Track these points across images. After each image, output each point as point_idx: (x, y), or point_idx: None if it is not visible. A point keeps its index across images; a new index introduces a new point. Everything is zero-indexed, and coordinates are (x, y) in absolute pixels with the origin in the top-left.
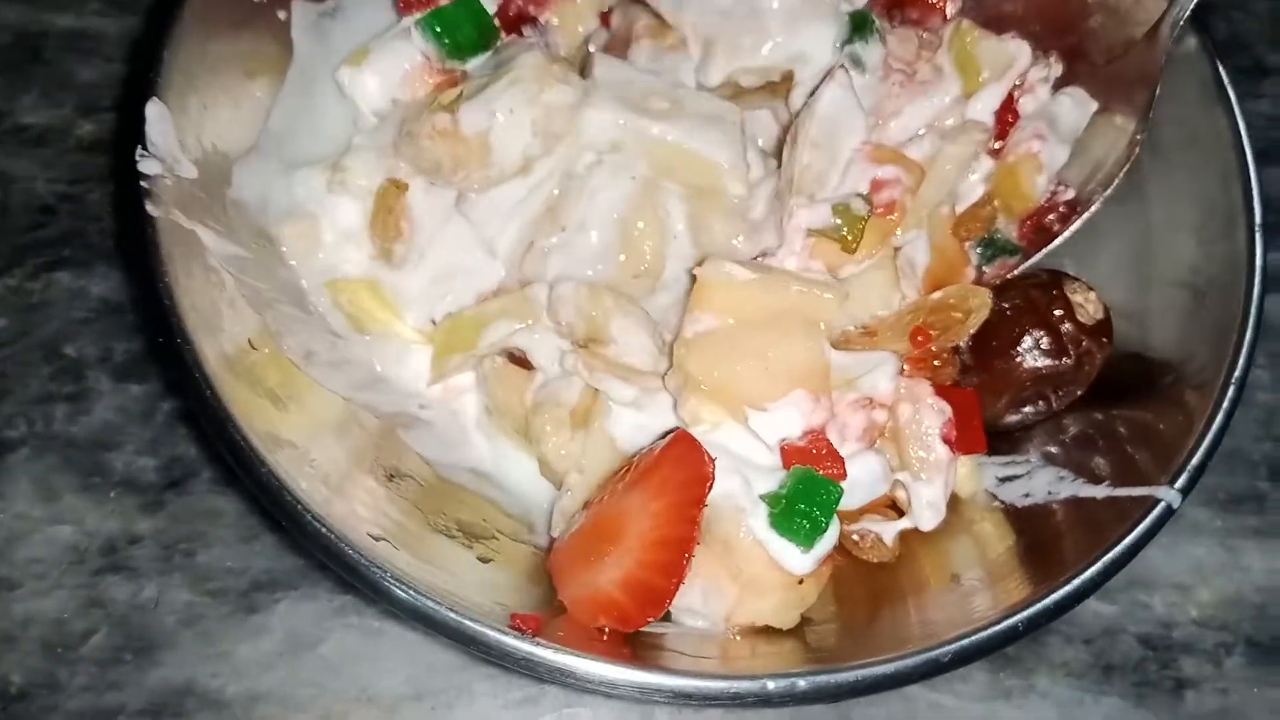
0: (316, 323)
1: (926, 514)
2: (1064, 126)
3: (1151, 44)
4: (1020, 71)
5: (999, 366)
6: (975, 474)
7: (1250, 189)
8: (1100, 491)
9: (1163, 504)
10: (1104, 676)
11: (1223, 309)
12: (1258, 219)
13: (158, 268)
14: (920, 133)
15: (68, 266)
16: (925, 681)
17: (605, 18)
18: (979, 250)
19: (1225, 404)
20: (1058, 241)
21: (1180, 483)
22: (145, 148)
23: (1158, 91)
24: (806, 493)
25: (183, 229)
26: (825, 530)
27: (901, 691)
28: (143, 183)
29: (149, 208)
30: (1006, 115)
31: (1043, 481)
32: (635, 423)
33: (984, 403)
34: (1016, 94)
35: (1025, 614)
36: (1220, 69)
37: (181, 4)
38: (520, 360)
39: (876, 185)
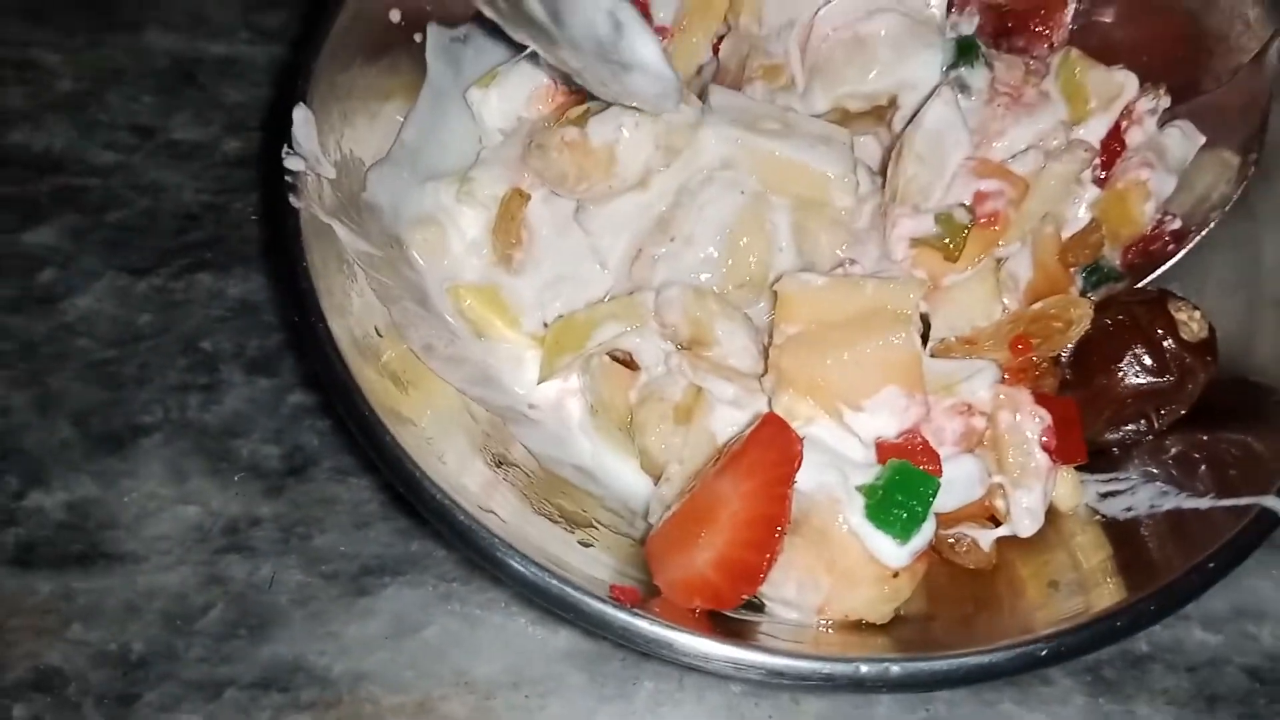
0: (436, 321)
1: (1025, 520)
2: (1172, 158)
3: (1258, 70)
4: (1128, 101)
5: (1100, 382)
6: (1077, 489)
7: None
8: (1204, 503)
9: (1268, 510)
10: (1208, 707)
11: None
12: None
13: (298, 252)
14: (1025, 150)
15: (208, 269)
16: (1022, 703)
17: (715, 47)
18: (1084, 276)
19: None
20: (1161, 270)
21: None
22: (290, 147)
23: (1268, 117)
24: (903, 484)
25: (321, 222)
26: (921, 523)
27: (998, 710)
28: (287, 177)
29: (292, 199)
30: (1113, 144)
31: (1145, 496)
32: (734, 419)
33: (1085, 418)
34: (1124, 124)
35: (1125, 614)
36: None
37: (332, 22)
38: (624, 361)
39: (980, 197)
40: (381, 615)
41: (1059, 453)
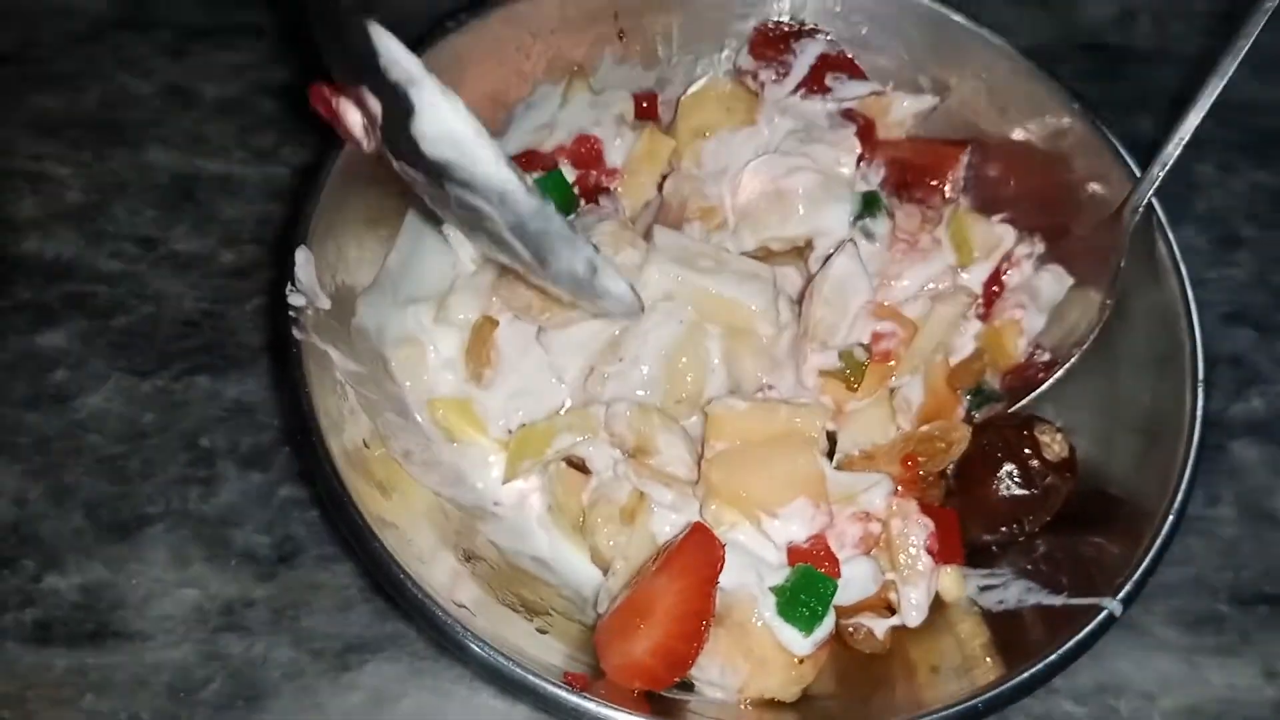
0: (414, 429)
1: (912, 613)
2: (1043, 298)
3: (1117, 223)
4: (1006, 250)
5: (978, 494)
6: (959, 583)
7: (1195, 352)
8: (1059, 601)
9: (1106, 612)
10: None
11: (1170, 452)
12: (1200, 377)
13: (300, 381)
14: (917, 294)
15: (206, 372)
16: None
17: (659, 184)
18: (969, 397)
19: (1165, 530)
20: (1032, 396)
21: (1122, 594)
22: (293, 285)
23: (1121, 266)
24: (807, 586)
25: (318, 349)
26: (822, 619)
27: None
28: (290, 313)
29: (295, 333)
30: (993, 286)
31: (1015, 591)
32: (672, 521)
33: (965, 523)
34: (1004, 268)
35: (985, 696)
36: (1174, 247)
37: (328, 170)
38: (579, 465)
39: (877, 337)
40: (362, 689)
41: (941, 555)
